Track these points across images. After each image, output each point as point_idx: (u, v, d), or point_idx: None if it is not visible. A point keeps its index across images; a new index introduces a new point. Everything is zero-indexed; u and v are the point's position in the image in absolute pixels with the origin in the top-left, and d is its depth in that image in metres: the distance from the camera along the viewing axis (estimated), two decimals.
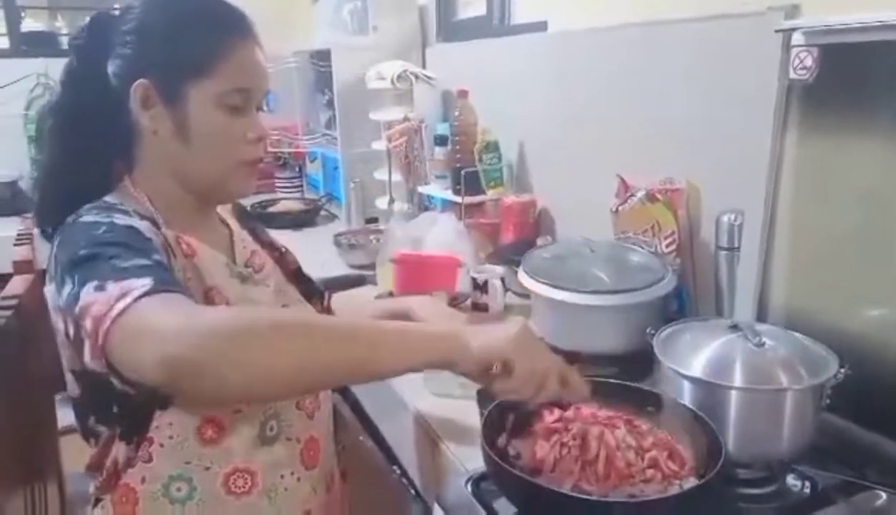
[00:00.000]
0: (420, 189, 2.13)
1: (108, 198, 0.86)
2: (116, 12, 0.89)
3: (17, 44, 3.40)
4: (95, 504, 0.89)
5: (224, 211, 1.04)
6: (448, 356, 0.73)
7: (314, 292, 1.13)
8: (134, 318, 0.66)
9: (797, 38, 1.05)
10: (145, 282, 0.68)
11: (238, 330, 0.65)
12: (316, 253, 1.94)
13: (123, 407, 0.83)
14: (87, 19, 0.90)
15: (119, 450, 0.86)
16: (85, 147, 0.88)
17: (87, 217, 0.80)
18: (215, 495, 0.86)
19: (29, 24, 3.50)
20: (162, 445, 0.84)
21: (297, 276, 1.11)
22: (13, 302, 1.18)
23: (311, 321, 0.76)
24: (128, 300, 0.66)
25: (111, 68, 0.87)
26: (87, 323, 0.68)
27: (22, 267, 1.59)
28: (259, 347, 0.65)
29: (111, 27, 0.88)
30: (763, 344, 0.90)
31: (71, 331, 0.75)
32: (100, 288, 0.68)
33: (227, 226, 1.01)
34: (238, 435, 0.87)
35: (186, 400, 0.82)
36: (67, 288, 0.72)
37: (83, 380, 0.85)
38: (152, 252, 0.76)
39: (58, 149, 0.91)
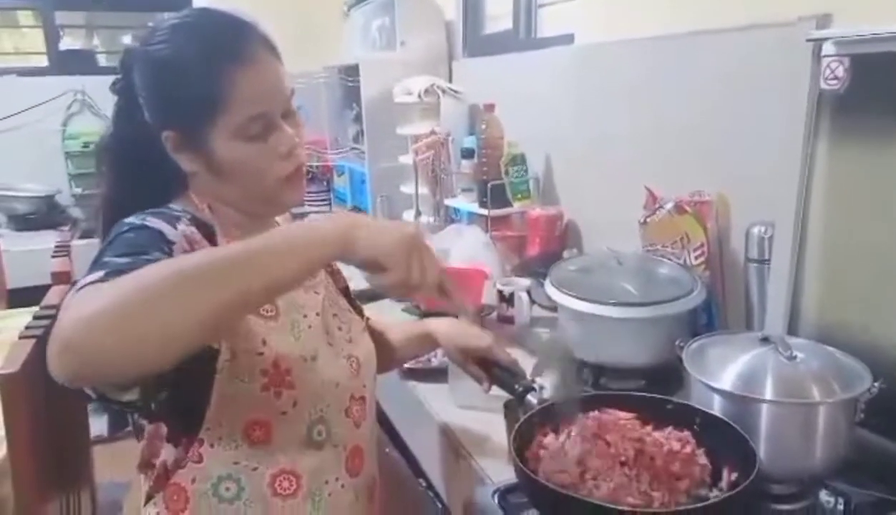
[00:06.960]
0: (447, 202, 2.14)
1: (172, 204, 0.90)
2: (137, 48, 0.89)
3: (56, 62, 3.51)
4: (147, 501, 0.91)
5: (286, 222, 1.05)
6: (336, 254, 0.75)
7: (358, 312, 1.13)
8: (61, 311, 0.64)
9: (828, 47, 1.04)
10: (98, 274, 0.69)
11: (115, 303, 0.62)
12: (343, 266, 1.94)
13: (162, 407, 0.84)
14: (119, 61, 0.91)
15: (168, 452, 0.88)
16: (140, 179, 0.92)
17: (128, 218, 0.82)
18: (262, 495, 0.88)
19: (67, 43, 3.61)
20: (212, 446, 0.86)
21: (345, 294, 1.12)
22: (51, 311, 1.21)
23: (195, 262, 0.69)
24: (72, 293, 0.67)
25: (145, 114, 0.89)
26: None
27: (59, 278, 1.63)
28: (152, 306, 0.62)
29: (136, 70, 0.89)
30: (794, 358, 0.89)
31: None
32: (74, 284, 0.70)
33: None
34: (284, 437, 0.88)
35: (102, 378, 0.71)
36: None
37: None
38: (152, 251, 0.76)
39: (115, 183, 0.94)
